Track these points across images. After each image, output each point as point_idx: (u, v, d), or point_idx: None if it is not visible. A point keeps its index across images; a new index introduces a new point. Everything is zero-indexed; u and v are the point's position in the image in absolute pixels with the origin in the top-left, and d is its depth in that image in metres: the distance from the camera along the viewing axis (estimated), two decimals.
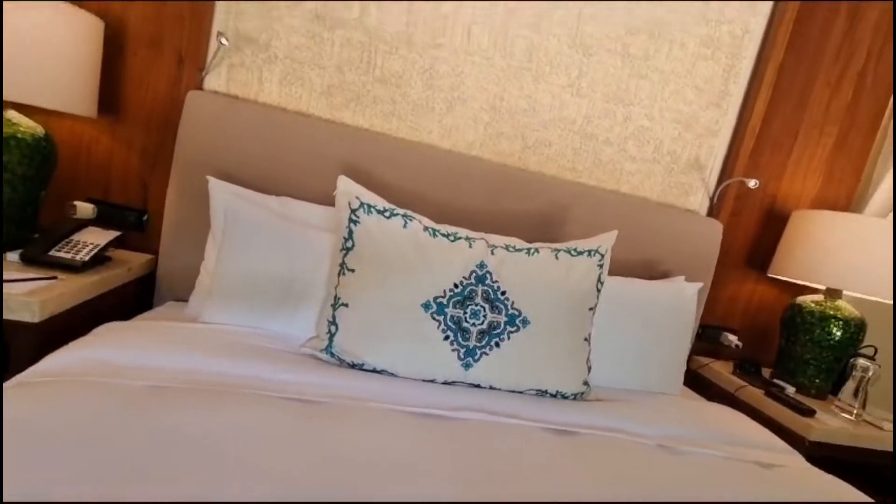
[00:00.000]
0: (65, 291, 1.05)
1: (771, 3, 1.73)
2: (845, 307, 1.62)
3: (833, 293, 1.65)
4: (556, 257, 1.18)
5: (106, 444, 0.67)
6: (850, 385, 1.51)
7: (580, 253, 1.19)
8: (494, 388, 1.09)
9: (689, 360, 1.81)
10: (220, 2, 1.43)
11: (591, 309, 1.18)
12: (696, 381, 1.74)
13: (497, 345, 1.07)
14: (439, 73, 1.59)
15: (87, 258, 1.18)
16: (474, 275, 1.09)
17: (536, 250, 1.18)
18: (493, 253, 1.14)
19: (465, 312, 1.06)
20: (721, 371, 1.72)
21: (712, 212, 1.82)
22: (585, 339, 1.17)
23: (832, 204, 1.85)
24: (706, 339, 1.85)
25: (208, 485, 0.63)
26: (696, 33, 1.72)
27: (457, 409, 0.97)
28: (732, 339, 1.81)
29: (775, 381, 1.63)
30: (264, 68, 1.50)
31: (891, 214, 1.76)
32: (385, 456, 0.79)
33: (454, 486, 0.74)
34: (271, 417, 0.83)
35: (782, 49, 1.72)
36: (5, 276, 1.03)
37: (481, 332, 1.06)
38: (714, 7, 1.70)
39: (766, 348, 1.83)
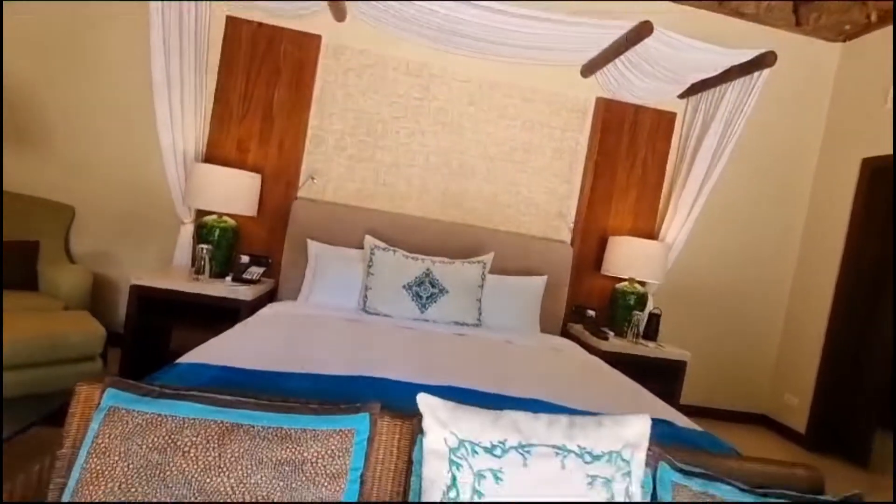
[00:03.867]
0: (255, 290, 2.54)
1: (589, 127, 3.24)
2: (637, 287, 3.00)
3: (631, 280, 3.02)
4: (463, 265, 2.63)
5: (286, 330, 2.09)
6: (632, 325, 2.85)
7: (473, 262, 2.64)
8: (435, 321, 2.50)
9: (564, 325, 3.18)
10: (306, 155, 3.01)
11: (479, 286, 2.61)
12: (568, 336, 3.08)
13: (435, 301, 2.50)
14: (413, 180, 3.12)
15: (257, 278, 2.67)
16: (424, 273, 2.54)
17: (453, 262, 2.63)
18: (434, 265, 2.59)
19: (421, 288, 2.50)
20: (580, 329, 3.06)
21: (573, 241, 3.25)
22: (478, 300, 2.59)
23: (641, 232, 3.25)
24: (577, 314, 3.19)
25: (320, 343, 2.01)
26: (550, 147, 3.23)
27: (417, 326, 2.39)
28: (591, 313, 3.16)
29: (604, 329, 2.97)
30: (327, 184, 3.05)
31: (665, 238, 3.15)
32: (387, 337, 2.19)
33: (415, 345, 2.13)
34: (343, 325, 2.25)
35: (596, 151, 3.21)
36: (232, 286, 2.53)
37: (427, 296, 2.50)
38: (557, 133, 3.22)
39: (607, 314, 3.16)
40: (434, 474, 0.76)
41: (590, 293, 3.26)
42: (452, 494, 0.73)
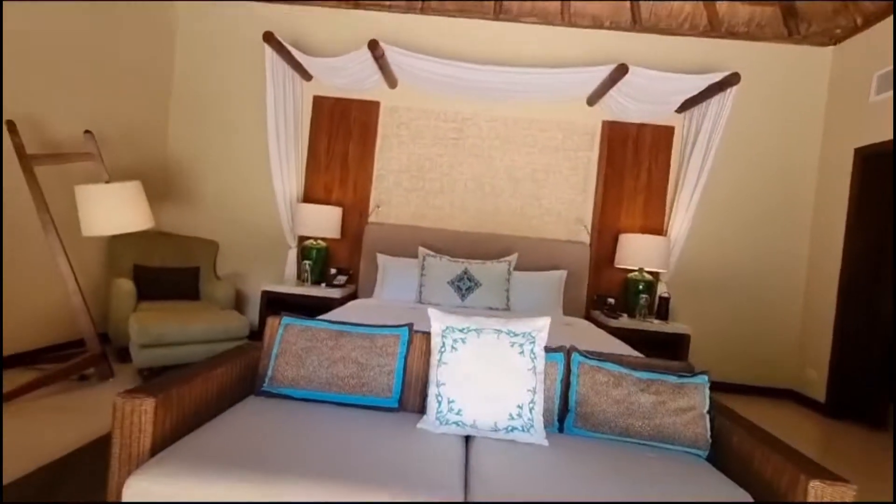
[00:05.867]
0: (342, 291, 3.50)
1: (598, 146, 3.90)
2: (645, 275, 3.56)
3: (640, 270, 3.59)
4: (493, 264, 3.40)
5: (366, 312, 3.00)
6: (640, 307, 3.41)
7: (501, 262, 3.40)
8: (472, 307, 3.28)
9: (587, 311, 3.79)
10: (373, 190, 3.98)
11: (507, 279, 3.35)
12: (589, 319, 3.69)
13: (472, 292, 3.29)
14: (455, 202, 3.97)
15: (342, 283, 3.65)
16: (463, 271, 3.35)
17: (485, 262, 3.42)
18: (470, 265, 3.40)
19: (461, 283, 3.31)
20: (598, 313, 3.66)
21: (591, 241, 3.88)
22: (505, 290, 3.33)
23: (650, 230, 3.80)
24: (598, 301, 3.80)
25: (389, 319, 2.89)
26: (566, 166, 3.93)
27: (458, 311, 3.19)
28: (610, 300, 3.75)
29: (618, 312, 3.55)
30: (389, 211, 4.00)
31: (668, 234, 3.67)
32: None
33: None
34: (404, 310, 3.12)
35: (605, 165, 3.85)
36: (326, 289, 3.51)
37: (466, 289, 3.29)
38: (571, 153, 3.92)
39: (623, 300, 3.71)
40: (435, 343, 1.57)
41: (609, 284, 3.86)
42: (442, 349, 1.53)
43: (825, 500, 1.08)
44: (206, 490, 1.08)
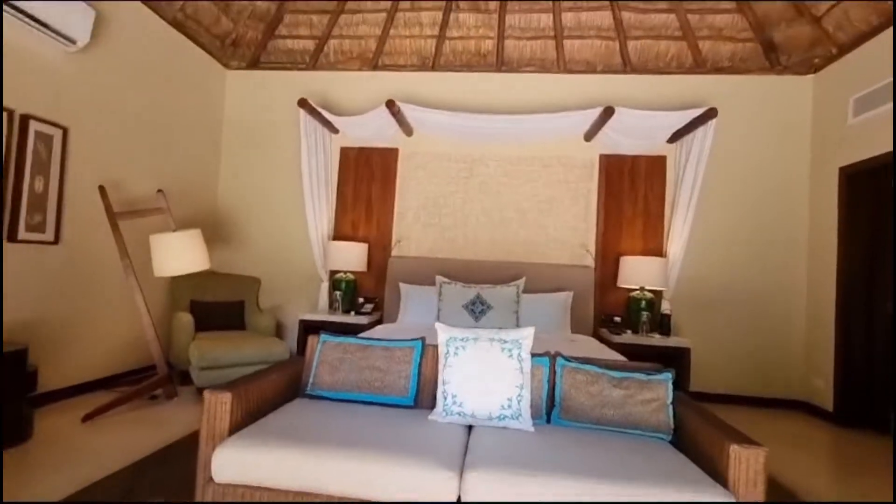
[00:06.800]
0: (369, 318, 3.92)
1: (597, 177, 4.27)
2: (646, 293, 3.83)
3: (642, 289, 3.87)
4: (502, 288, 3.76)
5: (391, 333, 3.40)
6: (642, 323, 3.67)
7: (510, 286, 3.76)
8: (485, 327, 3.63)
9: (595, 330, 4.07)
10: (394, 227, 4.46)
11: (516, 301, 3.70)
12: (597, 337, 3.96)
13: (484, 314, 3.65)
14: (468, 234, 4.39)
15: (369, 311, 4.07)
16: (476, 296, 3.72)
17: (495, 286, 3.79)
18: (482, 289, 3.77)
19: (475, 306, 3.68)
20: (605, 331, 3.93)
21: (595, 265, 4.20)
22: (514, 312, 3.67)
23: (650, 251, 4.09)
24: (605, 320, 4.07)
25: (409, 336, 3.28)
26: (568, 197, 4.31)
27: (473, 330, 3.55)
28: (617, 319, 4.03)
29: (622, 329, 3.82)
30: (409, 245, 4.45)
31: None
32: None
33: None
34: (425, 331, 3.50)
35: (605, 194, 4.21)
36: (355, 316, 3.94)
37: (479, 311, 3.66)
38: (573, 185, 4.30)
39: (627, 318, 3.97)
40: (441, 350, 1.94)
41: (614, 303, 4.14)
42: (447, 355, 1.90)
43: (742, 460, 1.38)
44: (271, 455, 1.48)
